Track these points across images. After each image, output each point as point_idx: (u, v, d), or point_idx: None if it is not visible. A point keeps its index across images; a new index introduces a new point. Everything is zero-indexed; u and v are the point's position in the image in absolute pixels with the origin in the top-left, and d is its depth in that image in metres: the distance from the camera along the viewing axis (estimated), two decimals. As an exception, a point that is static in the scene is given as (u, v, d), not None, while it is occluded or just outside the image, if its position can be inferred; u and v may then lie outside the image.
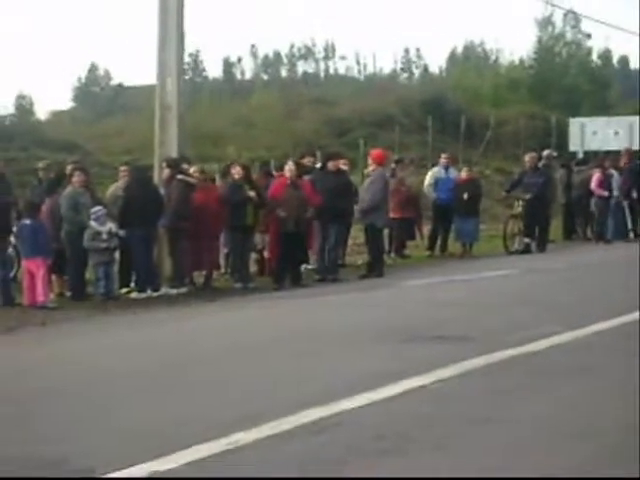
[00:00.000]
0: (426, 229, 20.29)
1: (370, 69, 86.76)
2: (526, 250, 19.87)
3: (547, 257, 19.16)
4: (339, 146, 30.76)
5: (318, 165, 17.00)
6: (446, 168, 20.39)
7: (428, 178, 20.38)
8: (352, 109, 38.80)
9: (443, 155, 20.94)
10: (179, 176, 14.45)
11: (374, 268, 16.09)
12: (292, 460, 5.35)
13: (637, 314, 10.05)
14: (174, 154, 14.88)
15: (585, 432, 5.76)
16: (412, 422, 6.17)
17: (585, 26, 50.44)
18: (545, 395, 6.83)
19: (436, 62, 72.92)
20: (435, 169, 20.73)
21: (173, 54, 15.31)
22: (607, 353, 8.32)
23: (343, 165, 16.83)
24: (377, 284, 14.93)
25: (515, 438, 5.73)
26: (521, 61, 50.79)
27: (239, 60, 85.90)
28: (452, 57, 78.95)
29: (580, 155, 29.81)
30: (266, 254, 15.81)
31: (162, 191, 14.41)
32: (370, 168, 16.82)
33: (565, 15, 49.34)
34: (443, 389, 7.05)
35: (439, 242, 19.90)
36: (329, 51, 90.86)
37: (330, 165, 16.16)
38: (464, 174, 20.45)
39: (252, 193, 14.90)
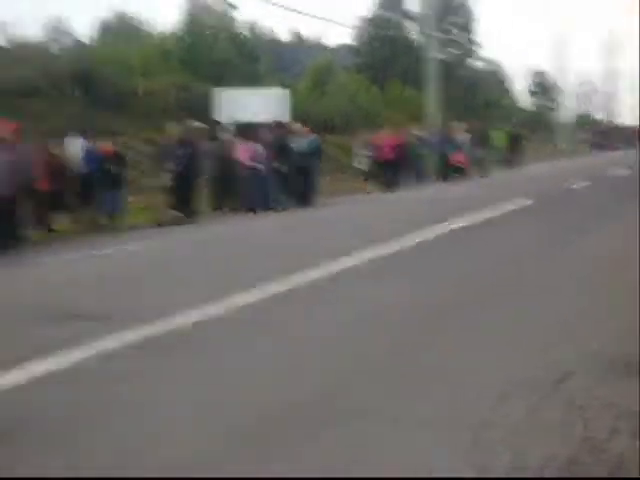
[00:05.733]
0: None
1: (19, 38, 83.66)
2: (176, 222, 19.76)
3: (197, 229, 19.09)
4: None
5: None
6: (86, 139, 20.02)
7: (72, 149, 19.93)
8: (-5, 78, 36.85)
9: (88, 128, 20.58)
10: None
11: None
12: None
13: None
14: None
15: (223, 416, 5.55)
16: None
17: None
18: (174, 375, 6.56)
19: (88, 33, 70.95)
20: (77, 140, 20.24)
21: None
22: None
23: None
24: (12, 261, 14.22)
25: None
26: (172, 33, 50.50)
27: None
28: (104, 28, 77.59)
29: (230, 127, 29.99)
30: None
31: None
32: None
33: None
34: (79, 372, 6.59)
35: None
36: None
37: None
38: (107, 146, 20.06)
39: None
